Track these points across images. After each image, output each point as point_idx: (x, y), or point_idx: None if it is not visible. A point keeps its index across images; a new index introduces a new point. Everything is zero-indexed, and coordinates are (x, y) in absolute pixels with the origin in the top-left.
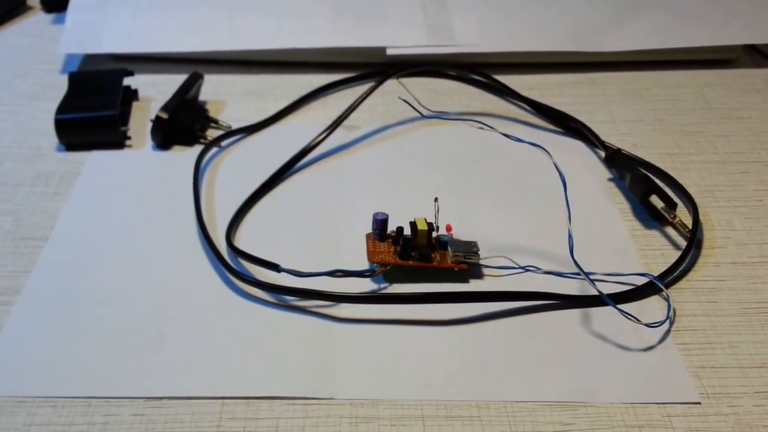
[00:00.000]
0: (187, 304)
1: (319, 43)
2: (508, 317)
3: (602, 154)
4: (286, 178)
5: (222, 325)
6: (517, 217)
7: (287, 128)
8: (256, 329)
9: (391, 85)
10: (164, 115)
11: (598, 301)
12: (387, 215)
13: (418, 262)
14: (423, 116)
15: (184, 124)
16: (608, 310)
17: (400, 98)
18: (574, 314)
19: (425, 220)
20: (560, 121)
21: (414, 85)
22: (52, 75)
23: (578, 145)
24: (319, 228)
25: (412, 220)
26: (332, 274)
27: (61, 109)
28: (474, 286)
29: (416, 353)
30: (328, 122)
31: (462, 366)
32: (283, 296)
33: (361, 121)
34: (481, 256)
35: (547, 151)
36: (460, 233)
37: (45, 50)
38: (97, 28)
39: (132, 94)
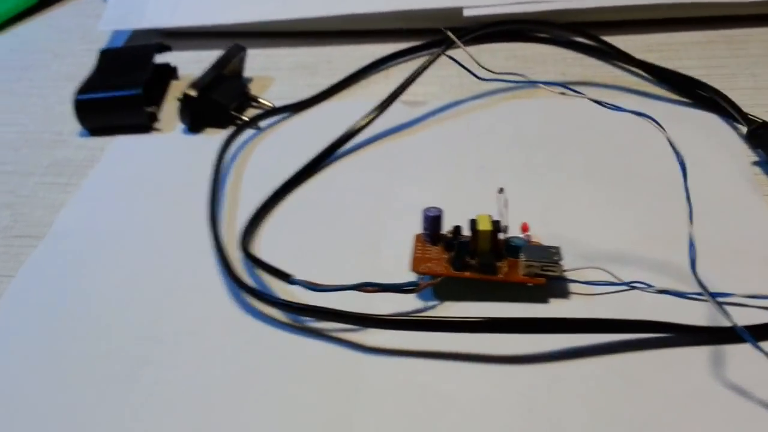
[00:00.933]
0: (182, 324)
1: (384, 6)
2: (603, 355)
3: (744, 129)
4: (325, 165)
5: (217, 353)
6: (620, 215)
7: (340, 106)
8: (257, 360)
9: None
10: (192, 93)
11: (735, 335)
12: (441, 211)
13: (477, 273)
14: (480, 79)
15: (217, 102)
16: (749, 349)
17: (445, 55)
18: (700, 354)
19: (490, 218)
20: (687, 90)
21: (497, 52)
22: (93, 55)
23: (711, 120)
24: (360, 227)
25: (474, 217)
26: (360, 287)
27: (84, 88)
28: (555, 309)
29: (468, 403)
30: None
31: (531, 425)
32: (298, 316)
33: (429, 95)
34: (565, 267)
35: (657, 123)
36: (542, 236)
37: (92, 30)
38: (140, 2)
39: (170, 72)
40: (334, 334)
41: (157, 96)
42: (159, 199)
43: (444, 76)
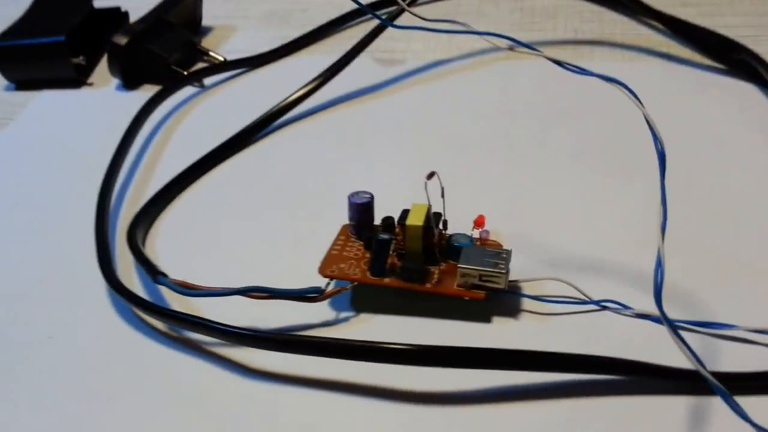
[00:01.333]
0: (40, 324)
1: None
2: (545, 400)
3: None
4: (263, 135)
5: (77, 355)
6: (603, 212)
7: (304, 62)
8: (116, 367)
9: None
10: (121, 41)
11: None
12: (370, 197)
13: (399, 281)
14: (396, 27)
15: (152, 53)
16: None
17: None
18: (678, 406)
19: (428, 209)
20: (721, 54)
21: (502, 2)
22: None
23: (748, 91)
24: (289, 214)
25: (409, 207)
26: (246, 292)
27: (6, 33)
28: (494, 332)
29: None
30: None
31: None
32: (168, 323)
33: (410, 53)
34: (519, 277)
35: (631, 93)
36: (503, 233)
37: None
38: None
39: (118, 18)
40: (214, 350)
41: (95, 45)
42: (66, 168)
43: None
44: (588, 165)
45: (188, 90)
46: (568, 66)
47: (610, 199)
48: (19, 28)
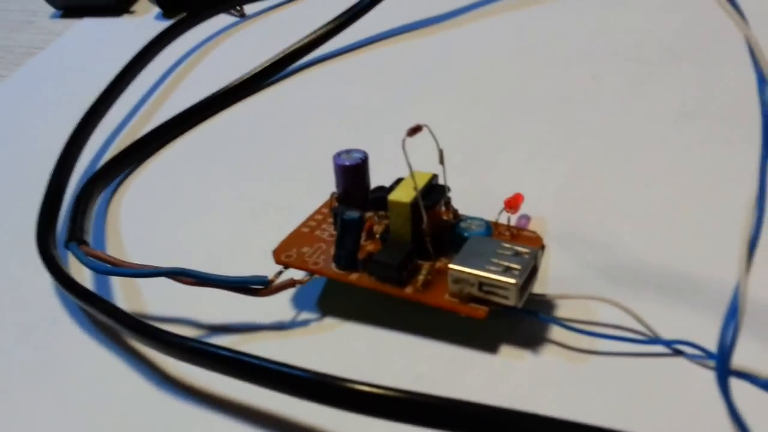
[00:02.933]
0: None
1: None
2: None
3: None
4: (273, 80)
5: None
6: (699, 204)
7: None
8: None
9: None
10: None
11: None
12: (361, 158)
13: (370, 279)
14: None
15: None
16: None
17: None
18: None
19: (431, 179)
20: None
21: None
22: None
23: None
24: (282, 177)
25: (404, 176)
26: (171, 274)
27: None
28: (506, 371)
29: None
30: None
31: None
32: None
33: None
34: (551, 291)
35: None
36: (552, 225)
37: None
38: None
39: None
40: (129, 340)
41: None
42: (76, 102)
43: None
44: (697, 132)
45: (227, 19)
46: None
47: (721, 188)
48: None
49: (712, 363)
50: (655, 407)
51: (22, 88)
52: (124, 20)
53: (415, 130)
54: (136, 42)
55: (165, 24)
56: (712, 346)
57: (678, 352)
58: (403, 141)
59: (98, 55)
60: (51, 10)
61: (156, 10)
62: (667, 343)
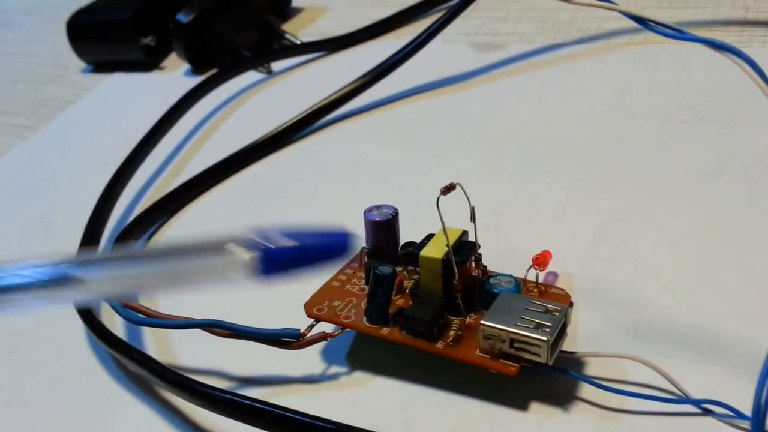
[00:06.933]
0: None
1: None
2: None
3: None
4: (308, 132)
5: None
6: (727, 264)
7: (389, 46)
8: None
9: None
10: (185, 19)
11: None
12: (392, 214)
13: (401, 333)
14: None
15: (220, 33)
16: None
17: None
18: None
19: (463, 235)
20: None
21: None
22: None
23: None
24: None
25: (439, 231)
26: (207, 326)
27: (81, 12)
28: (536, 427)
29: None
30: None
31: None
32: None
33: (515, 36)
34: (579, 350)
35: (740, 55)
36: (579, 282)
37: None
38: None
39: None
40: (161, 392)
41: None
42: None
43: (549, 10)
44: (723, 191)
45: (255, 76)
46: (656, 26)
47: (747, 246)
48: (94, 6)
49: (742, 423)
50: None
51: (54, 140)
52: (154, 75)
53: (448, 189)
54: (167, 97)
55: (194, 80)
56: (741, 406)
57: (707, 412)
58: (437, 199)
59: (129, 109)
60: (82, 64)
61: (185, 66)
62: (697, 403)
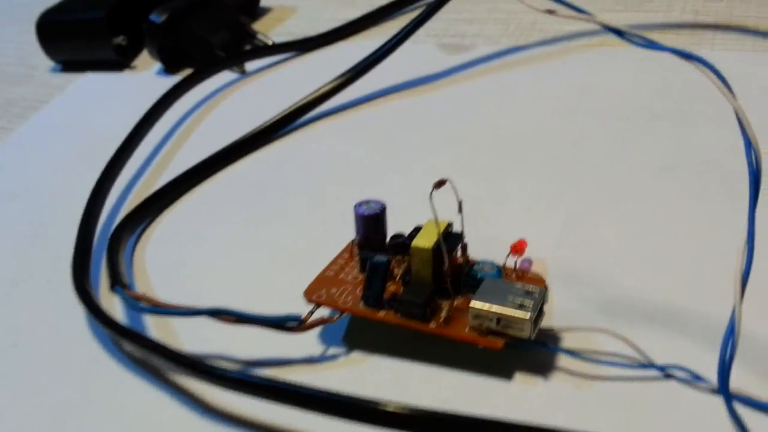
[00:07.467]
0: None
1: None
2: None
3: None
4: (284, 133)
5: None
6: (685, 246)
7: (361, 47)
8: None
9: None
10: (159, 19)
11: None
12: (380, 208)
13: (396, 316)
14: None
15: (193, 34)
16: None
17: None
18: None
19: (448, 227)
20: None
21: None
22: None
23: None
24: (299, 224)
25: (424, 223)
26: (216, 314)
27: (51, 11)
28: (520, 395)
29: None
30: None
31: None
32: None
33: (482, 38)
34: (558, 325)
35: (708, 66)
36: (554, 266)
37: None
38: None
39: None
40: (172, 377)
41: (140, 27)
42: (83, 156)
43: (513, 12)
44: (677, 184)
45: (228, 76)
46: (630, 37)
47: (700, 231)
48: (63, 6)
49: (700, 384)
50: (652, 425)
51: (31, 141)
52: (126, 75)
53: (440, 184)
54: (141, 96)
55: (166, 79)
56: (699, 370)
57: (670, 376)
58: (431, 193)
59: (104, 109)
60: (50, 63)
61: (157, 65)
62: (661, 368)
